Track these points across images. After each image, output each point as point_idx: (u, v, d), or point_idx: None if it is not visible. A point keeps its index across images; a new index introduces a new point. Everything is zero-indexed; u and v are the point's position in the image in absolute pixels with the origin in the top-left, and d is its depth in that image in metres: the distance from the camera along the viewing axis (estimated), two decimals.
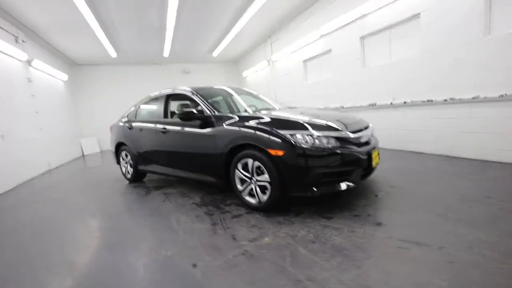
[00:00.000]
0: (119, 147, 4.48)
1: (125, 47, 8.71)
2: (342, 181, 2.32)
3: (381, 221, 2.13)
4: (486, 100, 3.40)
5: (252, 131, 2.50)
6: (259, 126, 2.49)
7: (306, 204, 2.60)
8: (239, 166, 2.62)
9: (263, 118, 2.59)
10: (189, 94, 3.38)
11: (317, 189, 2.25)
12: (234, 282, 1.54)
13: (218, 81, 12.20)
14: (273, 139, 2.34)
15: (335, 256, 1.69)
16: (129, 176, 4.38)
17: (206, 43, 9.08)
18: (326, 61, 6.49)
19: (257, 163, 2.46)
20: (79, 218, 2.96)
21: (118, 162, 4.65)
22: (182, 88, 3.58)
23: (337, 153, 2.27)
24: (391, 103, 4.75)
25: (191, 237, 2.18)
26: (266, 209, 2.52)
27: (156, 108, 3.87)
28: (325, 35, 6.19)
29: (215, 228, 2.32)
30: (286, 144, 2.28)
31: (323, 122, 2.49)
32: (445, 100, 3.85)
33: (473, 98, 3.52)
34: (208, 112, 2.98)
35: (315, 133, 2.32)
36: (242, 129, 2.59)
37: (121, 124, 4.46)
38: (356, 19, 5.23)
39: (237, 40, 8.72)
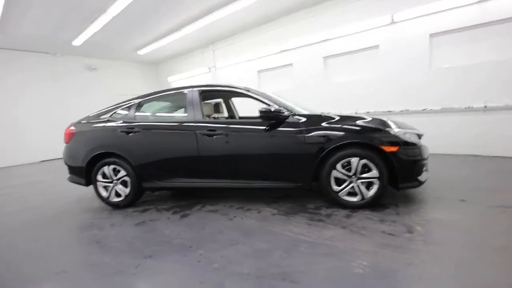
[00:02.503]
0: (96, 161, 3.13)
1: (21, 28, 6.08)
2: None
3: None
4: (431, 112, 4.89)
5: (359, 129, 2.56)
6: (367, 125, 2.58)
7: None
8: (338, 166, 2.59)
9: (364, 118, 2.69)
10: (244, 91, 2.95)
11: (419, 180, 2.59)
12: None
13: (134, 84, 10.47)
14: (387, 137, 2.50)
15: None
16: (118, 199, 3.13)
17: (139, 38, 7.70)
18: (285, 73, 7.05)
19: (363, 161, 2.53)
20: None
21: (90, 183, 3.23)
22: (227, 84, 3.07)
23: (423, 147, 2.71)
24: (356, 113, 5.82)
25: (352, 243, 1.97)
26: (368, 205, 2.60)
27: (183, 106, 3.06)
28: (286, 50, 6.77)
29: (352, 230, 2.18)
30: (399, 140, 2.50)
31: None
32: (401, 111, 5.19)
33: (422, 110, 4.96)
34: (286, 111, 2.73)
35: (410, 130, 2.67)
36: (348, 128, 2.59)
37: (103, 126, 3.16)
38: (320, 41, 6.10)
39: (172, 42, 7.91)
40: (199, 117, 2.93)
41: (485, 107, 4.35)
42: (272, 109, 2.63)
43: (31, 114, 8.18)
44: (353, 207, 2.62)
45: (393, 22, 5.04)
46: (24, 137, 8.01)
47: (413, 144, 2.54)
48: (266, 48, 7.14)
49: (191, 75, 9.67)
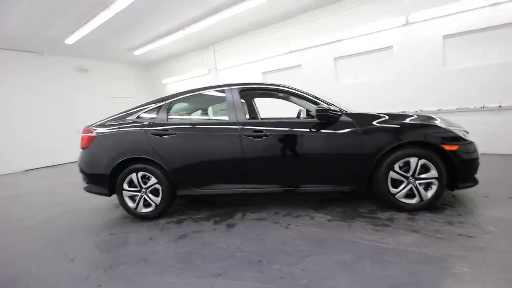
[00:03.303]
0: (121, 167, 2.80)
1: (5, 25, 5.51)
2: None
3: None
4: (447, 111, 4.97)
5: (418, 128, 2.46)
6: (424, 123, 2.48)
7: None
8: (396, 166, 2.47)
9: (413, 116, 2.59)
10: (290, 89, 2.80)
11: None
12: None
13: (126, 86, 9.97)
14: (446, 135, 2.42)
15: None
16: (148, 210, 2.82)
17: (137, 37, 7.29)
18: (293, 74, 6.95)
19: (422, 161, 2.43)
20: None
21: (113, 192, 2.89)
22: (269, 83, 2.89)
23: (476, 144, 2.64)
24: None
25: (438, 249, 1.83)
26: (426, 207, 2.50)
27: (219, 106, 2.82)
28: (295, 51, 6.68)
29: (426, 234, 2.05)
30: (458, 139, 2.43)
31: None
32: (416, 111, 5.24)
33: (437, 110, 5.03)
34: (339, 110, 2.59)
35: (459, 128, 2.61)
36: (406, 126, 2.48)
37: (130, 128, 2.85)
38: (331, 42, 6.07)
39: (170, 42, 7.58)
40: (241, 117, 2.71)
41: (500, 106, 4.47)
42: (331, 108, 2.48)
43: (12, 120, 7.44)
44: (411, 210, 2.51)
45: (407, 23, 5.09)
46: (3, 144, 7.25)
47: (470, 142, 2.48)
48: (272, 49, 7.01)
49: (189, 77, 9.33)
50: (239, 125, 2.65)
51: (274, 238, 2.19)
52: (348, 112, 2.62)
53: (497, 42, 4.44)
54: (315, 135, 2.56)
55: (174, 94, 3.02)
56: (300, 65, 6.71)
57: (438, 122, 2.51)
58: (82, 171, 3.00)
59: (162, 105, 2.92)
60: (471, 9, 4.48)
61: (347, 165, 2.55)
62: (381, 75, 5.66)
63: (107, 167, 2.80)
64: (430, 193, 2.46)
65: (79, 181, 3.06)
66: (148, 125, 2.83)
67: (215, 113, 3.38)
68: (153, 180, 2.77)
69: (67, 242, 2.50)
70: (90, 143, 2.92)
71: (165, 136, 2.75)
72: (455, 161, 2.39)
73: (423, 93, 5.16)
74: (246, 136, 2.62)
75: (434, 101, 5.05)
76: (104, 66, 9.32)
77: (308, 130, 2.58)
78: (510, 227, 2.10)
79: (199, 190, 2.77)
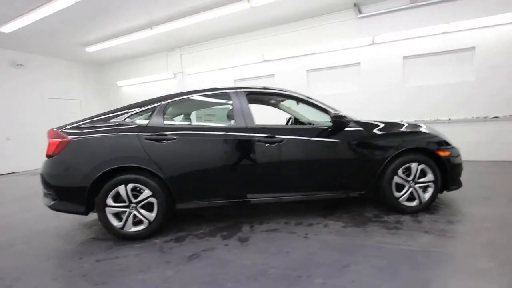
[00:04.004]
0: (103, 180, 2.32)
1: None
2: None
3: None
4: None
5: (419, 135, 2.68)
6: (425, 131, 2.70)
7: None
8: (400, 172, 2.61)
9: (404, 125, 2.80)
10: (300, 96, 2.77)
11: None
12: None
13: (71, 86, 8.75)
14: (441, 142, 2.66)
15: None
16: (138, 228, 2.38)
17: (92, 32, 6.44)
18: (268, 84, 6.96)
19: (421, 166, 2.62)
20: None
21: (91, 210, 2.37)
22: (277, 88, 2.83)
23: None
24: None
25: (459, 248, 1.95)
26: (424, 209, 2.68)
27: (224, 109, 2.60)
28: (269, 60, 6.77)
29: (439, 235, 2.17)
30: (449, 145, 2.70)
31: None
32: None
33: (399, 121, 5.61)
34: (346, 117, 2.63)
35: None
36: (408, 134, 2.68)
37: (117, 132, 2.39)
38: (305, 55, 6.34)
39: (132, 42, 6.96)
40: (250, 122, 2.55)
41: (449, 119, 5.23)
42: (345, 115, 2.51)
43: None
44: (412, 212, 2.66)
45: (373, 43, 5.64)
46: None
47: (456, 149, 2.79)
48: (245, 57, 6.98)
49: (151, 80, 8.62)
50: (250, 131, 2.48)
51: (299, 250, 2.06)
52: (355, 120, 2.69)
53: (446, 64, 5.23)
54: (328, 142, 2.57)
55: (169, 95, 2.68)
56: (274, 74, 6.82)
57: (424, 129, 2.77)
58: (47, 184, 2.41)
59: (157, 106, 2.56)
60: (426, 36, 5.20)
61: (358, 172, 2.60)
62: (350, 88, 6.11)
63: (85, 178, 2.29)
64: (427, 196, 2.67)
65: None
66: (141, 129, 2.44)
67: (205, 117, 3.12)
68: (146, 192, 2.36)
69: (38, 277, 1.92)
70: (60, 150, 2.36)
71: (164, 142, 2.40)
72: (447, 166, 2.65)
73: (387, 106, 5.72)
74: (259, 142, 2.46)
75: (397, 113, 5.63)
76: (45, 62, 7.97)
77: (321, 136, 2.57)
78: (502, 222, 2.36)
79: (203, 202, 2.47)
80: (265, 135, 2.48)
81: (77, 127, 2.46)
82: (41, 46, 7.20)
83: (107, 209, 2.34)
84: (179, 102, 2.66)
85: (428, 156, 2.63)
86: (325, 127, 2.60)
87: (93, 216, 2.66)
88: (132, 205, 2.37)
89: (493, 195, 3.13)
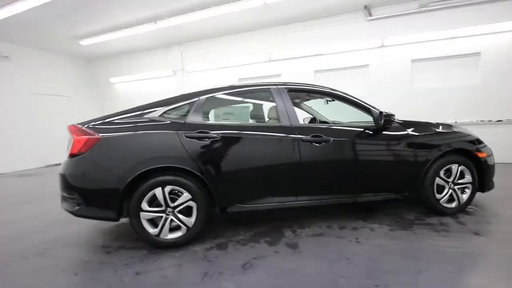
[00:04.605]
0: (137, 181, 2.10)
1: None
2: None
3: None
4: None
5: (461, 137, 2.66)
6: (460, 131, 2.70)
7: None
8: (441, 173, 2.59)
9: (441, 124, 2.79)
10: (344, 95, 2.72)
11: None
12: None
13: (61, 82, 8.20)
14: (476, 142, 2.67)
15: None
16: (175, 235, 2.17)
17: (89, 24, 6.03)
18: None
19: (461, 167, 2.61)
20: None
21: (121, 214, 2.14)
22: (319, 85, 2.77)
23: None
24: None
25: None
26: (461, 210, 2.68)
27: (270, 108, 2.50)
28: (275, 60, 6.66)
29: (490, 236, 2.16)
30: (486, 147, 2.71)
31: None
32: None
33: None
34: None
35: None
36: (452, 135, 2.67)
37: (155, 129, 2.18)
38: (312, 55, 6.30)
39: (130, 36, 6.61)
40: (295, 120, 2.42)
41: (456, 122, 5.37)
42: (392, 114, 2.44)
43: None
44: (451, 213, 2.64)
45: (383, 46, 5.70)
46: None
47: (489, 149, 2.81)
48: (251, 56, 6.83)
49: (148, 78, 8.24)
50: (296, 130, 2.35)
51: (360, 256, 1.94)
52: (399, 120, 2.64)
53: (452, 68, 5.38)
54: (375, 142, 2.49)
55: (205, 90, 2.49)
56: (280, 74, 6.72)
57: (461, 129, 2.78)
58: (70, 187, 2.14)
59: (194, 102, 2.36)
60: (434, 40, 5.33)
61: (405, 173, 2.54)
62: (358, 90, 6.11)
63: (119, 180, 2.06)
64: (465, 197, 2.66)
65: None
66: (179, 126, 2.23)
67: (243, 115, 2.95)
68: (185, 196, 2.16)
69: None
70: (88, 148, 2.10)
71: (205, 140, 2.21)
72: (484, 167, 2.66)
73: (395, 107, 5.76)
74: (305, 141, 2.33)
75: (404, 115, 5.71)
76: (33, 55, 7.38)
77: (367, 136, 2.49)
78: None
79: (245, 205, 2.30)
80: (311, 135, 2.35)
81: (107, 123, 2.22)
82: (29, 37, 6.66)
83: (142, 214, 2.12)
84: (217, 98, 2.48)
85: (467, 157, 2.63)
86: (372, 127, 2.52)
87: (103, 222, 2.43)
88: (169, 209, 2.16)
89: None
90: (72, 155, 2.15)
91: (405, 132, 2.55)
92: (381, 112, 2.45)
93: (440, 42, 5.29)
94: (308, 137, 2.34)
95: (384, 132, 2.50)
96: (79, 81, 8.74)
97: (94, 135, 2.12)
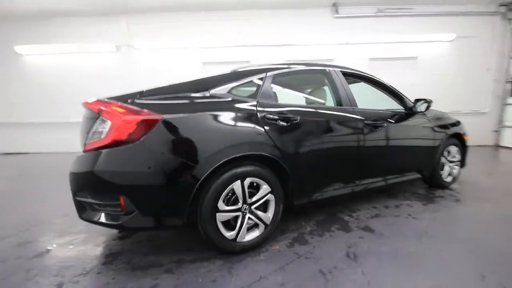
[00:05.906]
0: (211, 174, 1.65)
1: None
2: None
3: None
4: None
5: (455, 123, 3.24)
6: (456, 119, 3.30)
7: None
8: (445, 154, 3.10)
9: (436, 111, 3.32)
10: (385, 82, 2.87)
11: None
12: None
13: None
14: (462, 128, 3.29)
15: None
16: (254, 235, 1.83)
17: None
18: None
19: (456, 148, 3.19)
20: None
21: (192, 219, 1.65)
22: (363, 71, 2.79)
23: None
24: None
25: None
26: (452, 183, 3.28)
27: (320, 87, 2.38)
28: (244, 46, 6.37)
29: (493, 202, 2.71)
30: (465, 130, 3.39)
31: None
32: None
33: None
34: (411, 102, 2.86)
35: None
36: (452, 120, 3.21)
37: (235, 112, 1.73)
38: (282, 45, 6.33)
39: None
40: (354, 103, 2.39)
41: None
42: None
43: None
44: (447, 187, 3.20)
45: (347, 43, 6.25)
46: None
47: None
48: (216, 39, 6.32)
49: (78, 51, 6.51)
50: (359, 114, 2.33)
51: (432, 229, 2.12)
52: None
53: (401, 68, 6.41)
54: (414, 126, 2.76)
55: (270, 67, 2.12)
56: (249, 61, 6.47)
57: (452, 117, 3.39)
58: (115, 189, 1.50)
59: (264, 77, 2.00)
60: (388, 42, 6.22)
61: (428, 153, 2.91)
62: None
63: (196, 171, 1.56)
64: (455, 172, 3.27)
65: None
66: (255, 107, 1.85)
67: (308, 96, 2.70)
68: (265, 189, 1.84)
69: None
70: (143, 134, 1.50)
71: (283, 123, 1.91)
72: (466, 147, 3.32)
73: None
74: (367, 125, 2.33)
75: None
76: None
77: (409, 122, 2.74)
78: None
79: (316, 195, 2.14)
80: (372, 119, 2.38)
81: (165, 98, 1.64)
82: None
83: (218, 215, 1.69)
84: (285, 75, 2.17)
85: (458, 139, 3.23)
86: (408, 112, 2.76)
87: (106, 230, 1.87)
88: (245, 206, 1.80)
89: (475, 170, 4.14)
90: (113, 143, 1.49)
91: (430, 119, 2.92)
92: (419, 100, 2.71)
93: (392, 44, 6.23)
94: (370, 121, 2.36)
95: (417, 118, 2.78)
96: None
97: (151, 115, 1.53)
